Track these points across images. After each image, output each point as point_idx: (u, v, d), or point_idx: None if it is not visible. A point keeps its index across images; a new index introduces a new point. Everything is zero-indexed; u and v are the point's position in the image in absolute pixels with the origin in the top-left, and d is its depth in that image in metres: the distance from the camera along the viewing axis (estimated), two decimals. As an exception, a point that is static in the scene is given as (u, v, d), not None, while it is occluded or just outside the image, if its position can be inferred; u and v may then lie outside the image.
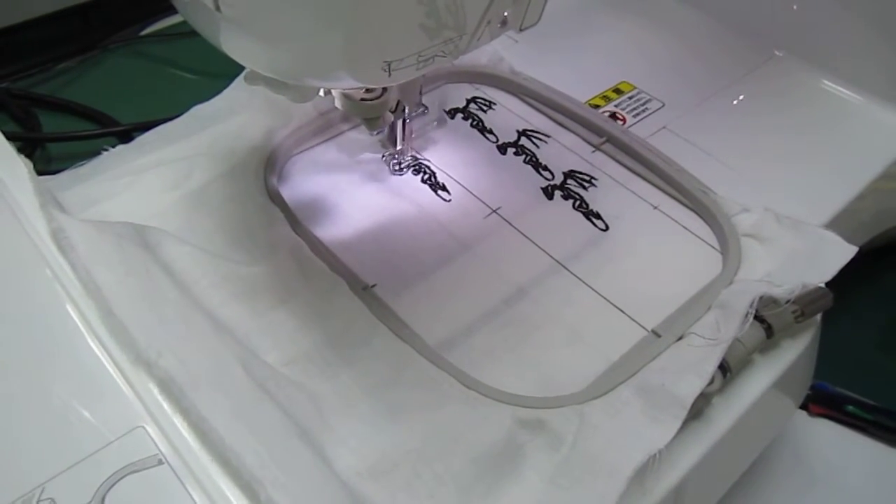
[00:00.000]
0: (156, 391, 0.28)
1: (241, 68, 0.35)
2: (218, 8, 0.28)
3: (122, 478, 0.25)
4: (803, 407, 0.48)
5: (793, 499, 0.45)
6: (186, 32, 0.75)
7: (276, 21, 0.29)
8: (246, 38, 0.31)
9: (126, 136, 0.61)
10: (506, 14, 0.34)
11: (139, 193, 0.40)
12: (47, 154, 0.60)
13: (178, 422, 0.27)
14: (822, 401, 0.48)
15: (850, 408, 0.48)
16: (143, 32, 0.75)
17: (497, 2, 0.31)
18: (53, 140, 0.60)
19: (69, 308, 0.30)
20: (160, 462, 0.26)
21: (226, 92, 0.48)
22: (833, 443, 0.47)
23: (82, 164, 0.44)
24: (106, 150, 0.45)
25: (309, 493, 0.26)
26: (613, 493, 0.28)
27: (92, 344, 0.29)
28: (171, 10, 0.77)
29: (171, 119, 0.63)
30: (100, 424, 0.26)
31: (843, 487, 0.46)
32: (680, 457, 0.32)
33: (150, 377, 0.28)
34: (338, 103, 0.38)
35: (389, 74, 0.31)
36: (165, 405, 0.27)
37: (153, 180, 0.41)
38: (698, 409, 0.33)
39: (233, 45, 0.33)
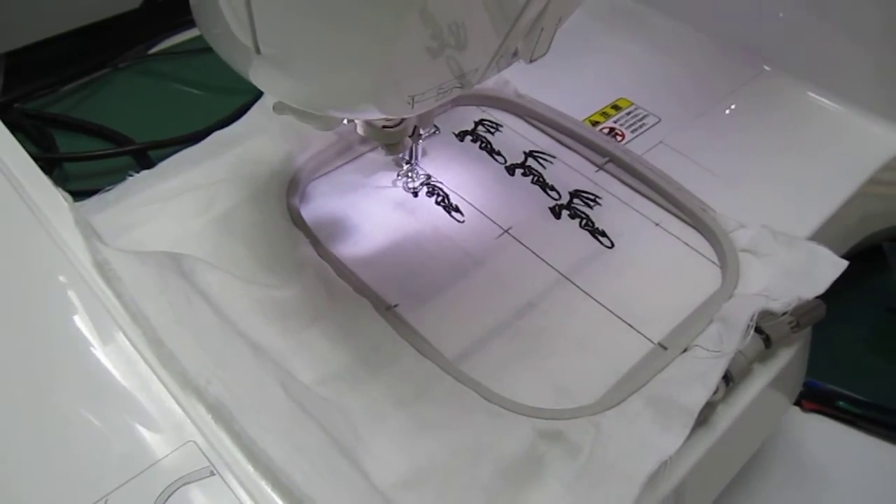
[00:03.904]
0: (204, 412, 0.30)
1: (252, 84, 0.36)
2: (258, 51, 0.30)
3: (177, 489, 0.27)
4: (797, 403, 0.50)
5: (787, 489, 0.47)
6: (194, 50, 0.76)
7: (312, 61, 0.31)
8: (281, 75, 0.33)
9: (142, 155, 0.63)
10: (517, 47, 0.36)
11: (168, 220, 0.42)
12: (64, 173, 0.62)
13: (227, 439, 0.29)
14: (814, 397, 0.51)
15: (841, 403, 0.51)
16: (151, 51, 0.76)
17: (510, 39, 0.33)
18: (71, 160, 0.62)
19: (119, 335, 0.32)
20: (212, 473, 0.28)
21: (244, 118, 0.49)
22: (825, 437, 0.50)
23: (109, 190, 0.45)
24: (131, 175, 0.46)
25: (355, 505, 0.28)
26: (629, 499, 0.31)
27: (143, 367, 0.31)
28: (178, 29, 0.79)
29: (185, 137, 0.64)
30: (154, 440, 0.29)
31: (834, 478, 0.48)
32: (683, 456, 0.35)
33: (199, 402, 0.30)
34: (360, 130, 0.40)
35: (413, 107, 0.33)
36: (216, 426, 0.29)
37: (180, 206, 0.43)
38: (704, 416, 0.35)
39: (265, 81, 0.35)
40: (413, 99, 0.32)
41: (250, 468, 0.28)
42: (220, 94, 0.69)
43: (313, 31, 0.28)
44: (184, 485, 0.28)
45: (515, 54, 0.36)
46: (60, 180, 0.60)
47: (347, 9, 0.27)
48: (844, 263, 0.40)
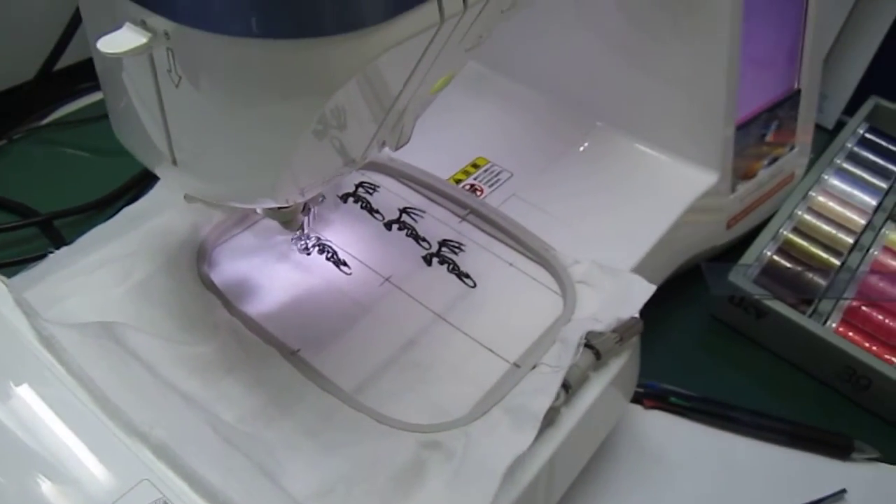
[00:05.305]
0: (151, 455, 0.37)
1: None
2: (175, 163, 0.38)
3: None
4: (639, 402, 0.59)
5: (635, 473, 0.55)
6: (89, 118, 0.81)
7: (220, 168, 0.38)
8: (190, 178, 0.40)
9: (48, 225, 0.67)
10: (385, 139, 0.44)
11: (92, 291, 0.47)
12: (-30, 247, 0.65)
13: (174, 475, 0.36)
14: (652, 396, 0.59)
15: (673, 399, 0.59)
16: (45, 121, 0.80)
17: (378, 135, 0.42)
18: (-23, 234, 0.65)
19: (71, 398, 0.38)
20: (166, 503, 0.35)
21: (150, 193, 0.55)
22: (662, 427, 0.58)
23: (33, 266, 0.50)
24: (51, 252, 0.51)
25: (280, 515, 0.36)
26: (493, 486, 0.39)
27: (96, 423, 0.37)
28: (71, 98, 0.83)
29: (88, 204, 0.69)
30: (114, 481, 0.35)
31: (672, 459, 0.56)
32: (538, 452, 0.43)
33: (145, 446, 0.37)
34: (260, 211, 0.47)
35: (303, 195, 0.41)
36: (162, 464, 0.36)
37: (101, 278, 0.48)
38: (550, 418, 0.44)
39: (174, 180, 0.42)
40: (304, 189, 0.40)
41: (195, 495, 0.35)
42: (117, 158, 0.73)
43: (222, 147, 0.36)
44: None
45: (384, 145, 0.44)
46: (-33, 254, 0.64)
47: (252, 130, 0.34)
48: (653, 287, 0.50)
